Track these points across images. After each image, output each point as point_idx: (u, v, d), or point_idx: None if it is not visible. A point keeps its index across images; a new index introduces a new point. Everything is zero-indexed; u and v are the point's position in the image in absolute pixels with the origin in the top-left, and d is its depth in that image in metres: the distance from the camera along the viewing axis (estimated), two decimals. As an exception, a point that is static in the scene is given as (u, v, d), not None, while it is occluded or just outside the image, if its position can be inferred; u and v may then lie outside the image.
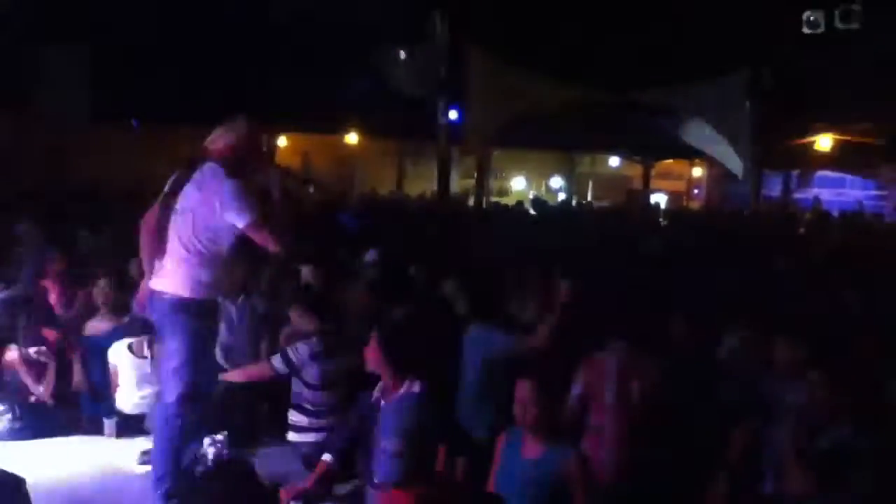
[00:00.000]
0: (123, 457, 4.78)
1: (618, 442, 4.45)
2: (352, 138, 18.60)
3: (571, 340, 5.13)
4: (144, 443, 4.81)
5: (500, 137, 15.33)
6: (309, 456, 4.56)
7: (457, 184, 23.40)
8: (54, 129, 11.54)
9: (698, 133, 12.85)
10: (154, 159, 6.99)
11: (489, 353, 4.83)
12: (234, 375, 5.07)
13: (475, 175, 20.13)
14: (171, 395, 3.99)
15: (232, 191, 3.89)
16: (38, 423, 5.10)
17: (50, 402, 5.31)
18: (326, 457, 4.14)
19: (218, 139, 4.05)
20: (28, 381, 5.21)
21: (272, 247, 4.04)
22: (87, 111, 11.77)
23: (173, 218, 4.00)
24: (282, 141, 18.78)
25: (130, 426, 5.13)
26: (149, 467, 4.53)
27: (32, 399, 5.23)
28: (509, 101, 13.02)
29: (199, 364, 4.03)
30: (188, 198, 3.97)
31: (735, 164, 12.97)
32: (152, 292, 4.05)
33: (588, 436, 4.47)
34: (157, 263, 4.04)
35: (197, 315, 3.99)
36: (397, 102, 14.56)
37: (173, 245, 3.99)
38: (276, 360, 4.85)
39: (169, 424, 4.00)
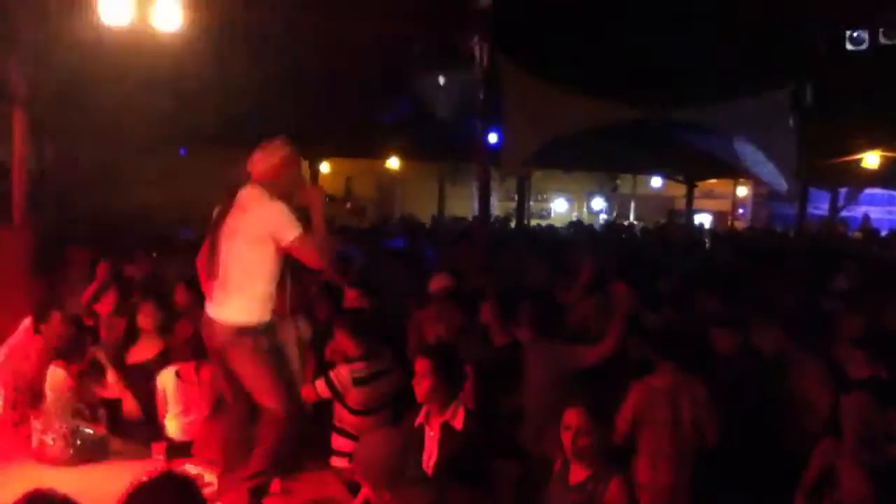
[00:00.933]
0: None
1: (670, 465, 4.41)
2: (393, 162, 18.72)
3: (621, 363, 5.13)
4: (193, 468, 4.86)
5: (539, 159, 15.29)
6: (353, 482, 4.57)
7: (497, 206, 23.43)
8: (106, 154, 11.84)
9: (742, 151, 12.66)
10: (202, 184, 7.09)
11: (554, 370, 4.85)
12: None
13: (515, 197, 20.14)
14: (272, 406, 4.15)
15: (275, 211, 4.03)
16: (90, 448, 5.18)
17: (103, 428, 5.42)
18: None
19: (258, 162, 4.16)
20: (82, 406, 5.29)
21: (317, 264, 4.15)
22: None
23: (222, 244, 4.09)
24: (324, 166, 18.96)
25: (179, 452, 5.18)
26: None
27: (85, 425, 5.30)
28: (547, 122, 12.97)
29: (284, 373, 4.24)
30: (233, 222, 4.09)
31: (780, 182, 12.79)
32: (211, 320, 4.16)
33: (639, 459, 4.45)
34: (212, 290, 4.15)
35: (259, 336, 4.12)
36: (437, 126, 14.64)
37: (224, 270, 4.09)
38: (320, 384, 4.88)
39: (271, 427, 4.18)
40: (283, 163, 4.17)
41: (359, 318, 5.24)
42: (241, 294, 4.12)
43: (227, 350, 4.16)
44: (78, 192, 10.56)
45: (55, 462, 5.06)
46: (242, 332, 4.10)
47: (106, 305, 6.44)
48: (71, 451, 5.10)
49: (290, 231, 4.03)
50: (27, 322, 5.93)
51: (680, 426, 4.45)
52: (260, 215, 4.06)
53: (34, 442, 5.18)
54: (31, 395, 5.26)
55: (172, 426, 5.36)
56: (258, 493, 4.23)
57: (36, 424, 5.18)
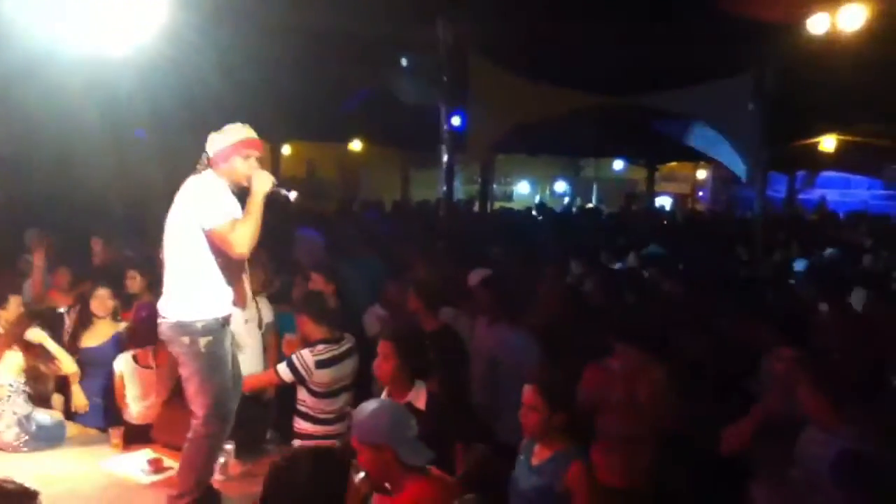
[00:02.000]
0: (130, 466, 4.78)
1: (626, 447, 4.44)
2: (356, 146, 18.61)
3: (578, 344, 5.16)
4: (151, 452, 4.82)
5: (504, 143, 15.30)
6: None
7: (462, 190, 23.44)
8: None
9: (702, 135, 12.81)
10: (160, 167, 7.00)
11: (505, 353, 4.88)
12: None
13: (479, 180, 20.16)
14: (197, 416, 4.00)
15: (200, 196, 3.90)
16: (46, 434, 5.11)
17: (58, 413, 5.35)
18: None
19: (211, 145, 4.03)
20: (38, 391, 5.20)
21: (235, 254, 3.93)
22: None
23: (166, 234, 4.00)
24: (286, 149, 18.79)
25: (137, 436, 5.12)
26: (157, 476, 4.57)
27: (40, 411, 5.22)
28: (511, 106, 12.99)
29: (217, 383, 4.02)
30: (174, 210, 3.97)
31: (739, 166, 12.94)
32: (160, 315, 4.04)
33: (597, 441, 4.46)
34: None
35: (203, 335, 3.96)
36: (401, 109, 14.57)
37: (167, 263, 4.00)
38: (282, 369, 4.85)
39: (195, 444, 4.01)
40: (235, 147, 4.00)
41: (320, 301, 5.20)
42: (180, 288, 3.96)
43: (169, 346, 4.06)
44: (32, 178, 10.35)
45: (11, 448, 4.99)
46: (181, 329, 3.94)
47: (58, 293, 6.35)
48: (26, 437, 5.03)
49: (209, 218, 3.85)
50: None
51: (636, 408, 4.47)
52: (189, 201, 3.91)
53: (-11, 429, 5.10)
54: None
55: (130, 410, 5.29)
56: None
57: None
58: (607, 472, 4.34)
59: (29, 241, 7.36)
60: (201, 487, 4.08)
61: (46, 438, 5.09)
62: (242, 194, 4.09)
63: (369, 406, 3.26)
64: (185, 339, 3.94)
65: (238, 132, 4.05)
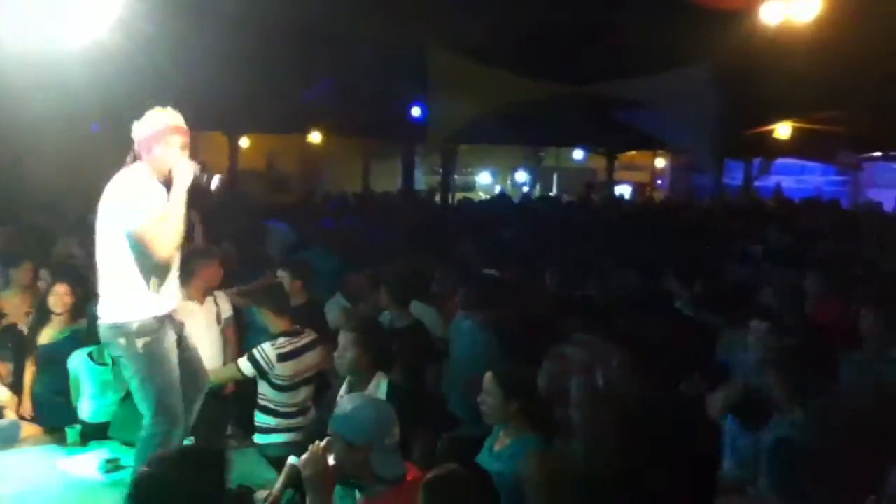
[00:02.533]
0: (88, 465, 4.70)
1: (586, 435, 4.47)
2: (315, 137, 18.48)
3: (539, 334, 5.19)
4: (108, 451, 4.75)
5: (464, 133, 15.33)
6: (276, 458, 4.53)
7: (423, 180, 23.44)
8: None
9: (660, 124, 12.95)
10: (117, 161, 6.87)
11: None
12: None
13: (440, 171, 20.17)
14: (146, 423, 3.93)
15: (122, 194, 3.74)
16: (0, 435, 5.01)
17: (15, 414, 5.25)
18: (292, 459, 4.12)
19: (134, 135, 3.86)
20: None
21: (161, 253, 3.77)
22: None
23: (97, 228, 3.87)
24: (244, 142, 18.60)
25: (93, 434, 5.05)
26: (114, 475, 4.50)
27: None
28: (471, 96, 13.01)
29: (159, 382, 3.92)
30: (99, 210, 3.83)
31: (697, 153, 13.13)
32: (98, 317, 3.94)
33: (560, 430, 4.49)
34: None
35: (139, 336, 3.85)
36: (361, 100, 14.50)
37: (98, 263, 3.88)
38: (243, 363, 4.81)
39: (144, 442, 3.93)
40: (155, 135, 3.80)
41: (280, 294, 5.17)
42: (112, 289, 3.83)
43: (108, 349, 4.01)
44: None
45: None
46: (117, 331, 3.84)
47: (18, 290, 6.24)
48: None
49: (129, 219, 3.69)
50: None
51: (595, 396, 4.51)
52: (112, 200, 3.75)
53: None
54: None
55: (86, 409, 5.21)
56: None
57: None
58: (570, 460, 4.38)
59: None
60: None
61: (0, 440, 4.98)
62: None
63: (357, 400, 3.22)
64: (122, 341, 3.84)
65: (157, 119, 3.84)
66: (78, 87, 9.22)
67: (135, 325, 3.84)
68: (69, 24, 7.24)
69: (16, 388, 5.50)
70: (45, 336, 5.61)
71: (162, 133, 3.82)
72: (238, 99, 13.30)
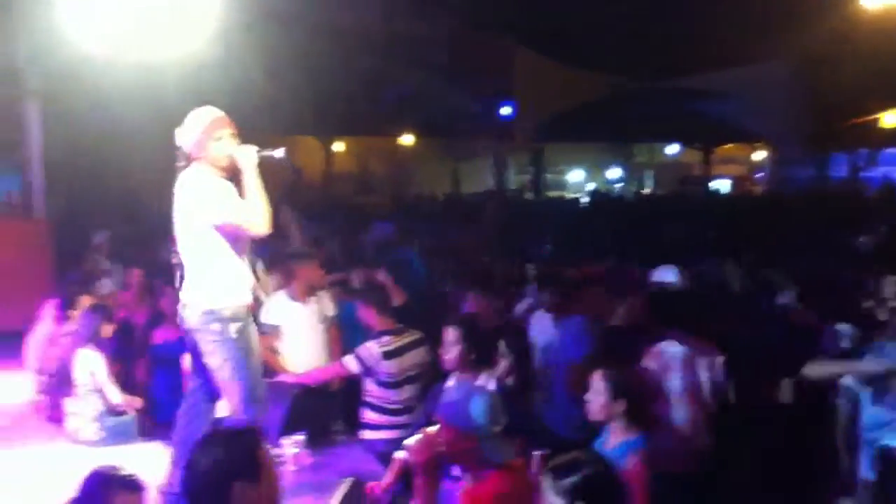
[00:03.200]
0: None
1: (684, 433, 4.41)
2: (406, 139, 18.71)
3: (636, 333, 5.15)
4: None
5: (553, 131, 15.26)
6: (383, 453, 4.62)
7: (513, 180, 23.41)
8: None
9: (756, 115, 12.60)
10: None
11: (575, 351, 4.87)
12: (307, 377, 5.16)
13: (530, 170, 20.09)
14: (233, 412, 4.01)
15: (203, 190, 3.86)
16: (122, 430, 5.27)
17: (132, 410, 5.50)
18: (401, 453, 4.21)
19: (184, 141, 3.95)
20: (111, 390, 5.35)
21: (258, 232, 3.91)
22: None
23: (176, 229, 3.98)
24: (338, 145, 18.98)
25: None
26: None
27: (114, 407, 5.37)
28: (559, 94, 12.97)
29: (249, 368, 4.02)
30: (178, 206, 3.95)
31: (786, 144, 12.72)
32: (183, 304, 4.02)
33: (657, 427, 4.43)
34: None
35: (233, 321, 3.96)
36: (450, 101, 14.62)
37: (184, 257, 3.99)
38: (349, 360, 4.92)
39: None
40: (205, 133, 3.91)
41: (383, 293, 5.27)
42: (202, 278, 3.94)
43: (196, 335, 4.00)
44: (91, 181, 10.62)
45: (90, 444, 5.14)
46: (210, 317, 3.92)
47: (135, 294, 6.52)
48: (103, 434, 5.19)
49: (216, 214, 3.83)
50: (53, 308, 6.01)
51: (696, 394, 4.44)
52: (190, 201, 3.88)
53: (67, 425, 5.28)
54: (61, 380, 5.32)
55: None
56: None
57: (68, 408, 5.26)
58: (666, 458, 4.33)
59: (97, 242, 7.61)
60: None
61: (122, 434, 5.23)
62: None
63: (468, 389, 3.28)
64: (216, 326, 3.93)
65: (201, 117, 3.96)
66: (175, 97, 9.58)
67: (228, 312, 3.95)
68: (167, 36, 7.59)
69: (129, 386, 5.75)
70: (159, 337, 5.86)
71: (211, 128, 3.94)
72: (331, 104, 13.60)
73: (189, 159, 3.97)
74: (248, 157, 3.92)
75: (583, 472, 2.61)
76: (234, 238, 3.95)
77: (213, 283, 3.95)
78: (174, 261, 4.06)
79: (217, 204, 3.84)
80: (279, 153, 4.03)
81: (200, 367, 4.12)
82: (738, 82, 11.49)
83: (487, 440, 3.03)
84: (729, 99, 12.66)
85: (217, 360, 3.96)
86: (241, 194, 3.90)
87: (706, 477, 4.33)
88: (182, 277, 4.08)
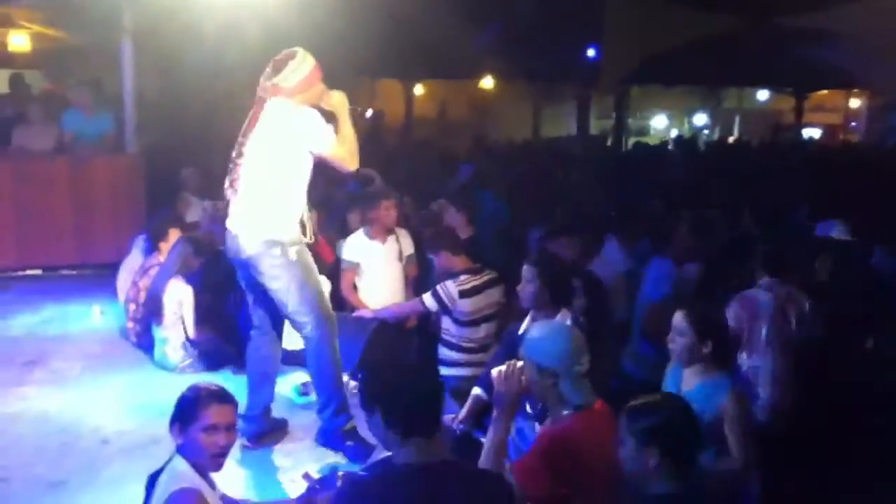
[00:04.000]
0: (285, 389, 5.03)
1: (774, 380, 4.34)
2: (487, 83, 18.51)
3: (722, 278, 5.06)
4: (303, 375, 5.06)
5: (639, 74, 14.88)
6: (459, 390, 4.69)
7: (594, 124, 22.97)
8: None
9: (855, 57, 11.98)
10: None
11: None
12: (386, 312, 5.25)
13: (613, 115, 19.68)
14: (305, 325, 4.09)
15: (309, 118, 3.97)
16: (208, 357, 5.46)
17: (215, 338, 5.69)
18: (476, 390, 4.26)
19: (287, 78, 4.01)
20: (189, 323, 5.50)
21: (350, 166, 4.09)
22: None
23: (246, 157, 4.04)
24: (418, 89, 18.90)
25: (290, 360, 5.36)
26: (310, 398, 4.81)
27: (199, 336, 5.55)
28: (647, 35, 12.61)
29: (313, 285, 4.10)
30: (263, 134, 4.01)
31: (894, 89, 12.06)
32: (235, 235, 4.08)
33: (741, 375, 4.37)
34: (235, 204, 4.12)
35: (292, 244, 4.04)
36: (532, 44, 14.37)
37: (251, 184, 4.04)
38: (427, 298, 4.99)
39: (316, 352, 4.11)
40: (311, 75, 4.05)
41: (453, 235, 5.36)
42: (267, 206, 4.02)
43: (255, 263, 4.05)
44: (181, 118, 10.82)
45: (178, 370, 5.36)
46: (271, 243, 4.00)
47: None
48: (190, 360, 5.39)
49: (324, 138, 3.98)
50: (143, 240, 6.23)
51: (784, 341, 4.36)
52: (294, 124, 3.97)
53: (156, 353, 5.51)
54: (152, 309, 5.53)
55: (286, 337, 5.54)
56: (340, 421, 4.17)
57: (158, 336, 5.49)
58: (751, 406, 4.27)
59: (187, 179, 7.82)
60: (341, 390, 4.20)
61: (208, 361, 5.43)
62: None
63: (551, 326, 3.29)
64: (277, 251, 4.00)
65: (308, 59, 4.07)
66: (261, 37, 9.66)
67: (287, 237, 4.04)
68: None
69: (218, 318, 5.92)
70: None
71: (316, 72, 4.07)
72: (412, 47, 13.52)
73: (276, 93, 4.03)
74: (340, 101, 4.11)
75: (660, 414, 2.61)
76: (311, 172, 4.06)
77: (278, 212, 4.04)
78: (227, 190, 4.12)
79: (320, 133, 3.98)
80: (368, 112, 4.21)
81: (261, 299, 4.23)
82: (844, 22, 10.91)
83: (568, 380, 3.02)
84: (831, 41, 12.08)
85: (282, 284, 4.04)
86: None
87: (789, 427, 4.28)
88: (229, 205, 4.16)
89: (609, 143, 18.62)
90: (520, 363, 3.06)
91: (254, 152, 4.03)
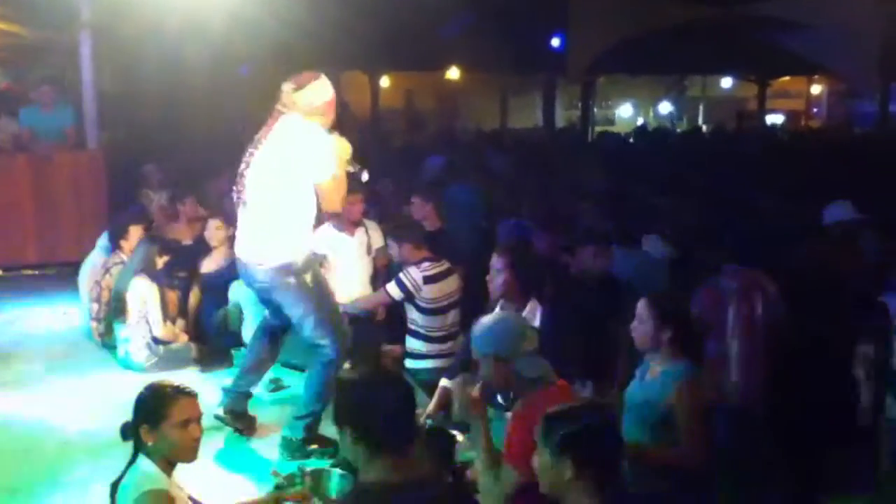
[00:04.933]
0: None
1: (742, 366, 4.36)
2: (453, 73, 18.46)
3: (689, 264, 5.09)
4: (271, 372, 5.01)
5: (605, 63, 14.88)
6: (428, 382, 4.67)
7: (561, 115, 23.04)
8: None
9: (816, 45, 12.10)
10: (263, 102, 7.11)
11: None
12: (351, 306, 5.21)
13: (579, 105, 19.73)
14: (326, 353, 4.04)
15: (320, 143, 3.90)
16: (173, 356, 5.39)
17: (183, 337, 5.63)
18: (444, 382, 4.25)
19: (307, 95, 3.95)
20: (155, 322, 5.42)
21: (333, 208, 4.09)
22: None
23: (252, 176, 3.96)
24: (384, 81, 18.80)
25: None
26: (277, 394, 4.77)
27: (166, 334, 5.49)
28: (612, 23, 12.62)
29: (330, 310, 4.11)
30: (274, 153, 3.92)
31: (858, 76, 12.21)
32: (246, 263, 4.03)
33: (710, 362, 4.38)
34: (242, 225, 4.06)
35: (305, 270, 4.00)
36: (498, 34, 14.34)
37: (258, 205, 3.96)
38: (392, 287, 4.97)
39: (322, 372, 4.05)
40: (330, 103, 4.00)
41: (417, 227, 5.36)
42: (280, 231, 3.95)
43: (270, 292, 4.04)
44: (142, 112, 10.70)
45: (140, 370, 5.26)
46: (285, 271, 3.93)
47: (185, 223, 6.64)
48: (155, 359, 5.32)
49: (328, 168, 3.90)
50: (105, 238, 6.13)
51: (751, 327, 4.38)
52: (299, 148, 3.88)
53: (120, 351, 5.42)
54: (115, 307, 5.44)
55: (249, 333, 5.50)
56: (311, 431, 4.12)
57: (121, 335, 5.40)
58: (721, 392, 4.29)
59: (148, 176, 7.71)
60: (323, 409, 4.16)
61: (173, 360, 5.36)
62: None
63: (487, 318, 3.31)
64: (291, 280, 3.95)
65: (330, 90, 4.03)
66: (222, 29, 9.55)
67: (299, 258, 3.99)
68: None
69: (185, 313, 5.88)
70: (207, 266, 5.96)
71: (331, 104, 4.03)
72: (377, 38, 13.44)
73: (294, 109, 3.95)
74: (343, 149, 4.03)
75: (577, 422, 2.49)
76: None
77: (287, 232, 3.96)
78: (236, 201, 4.06)
79: (326, 162, 3.91)
80: (364, 176, 4.19)
81: (276, 312, 4.20)
82: (806, 9, 10.98)
83: (521, 358, 3.09)
84: (794, 28, 12.18)
85: (299, 311, 4.01)
86: None
87: (763, 412, 4.30)
88: (237, 222, 4.14)
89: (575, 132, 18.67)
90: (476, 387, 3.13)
91: (261, 164, 3.94)
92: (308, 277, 4.01)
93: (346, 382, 2.48)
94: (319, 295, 4.07)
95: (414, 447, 2.40)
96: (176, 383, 2.88)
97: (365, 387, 2.42)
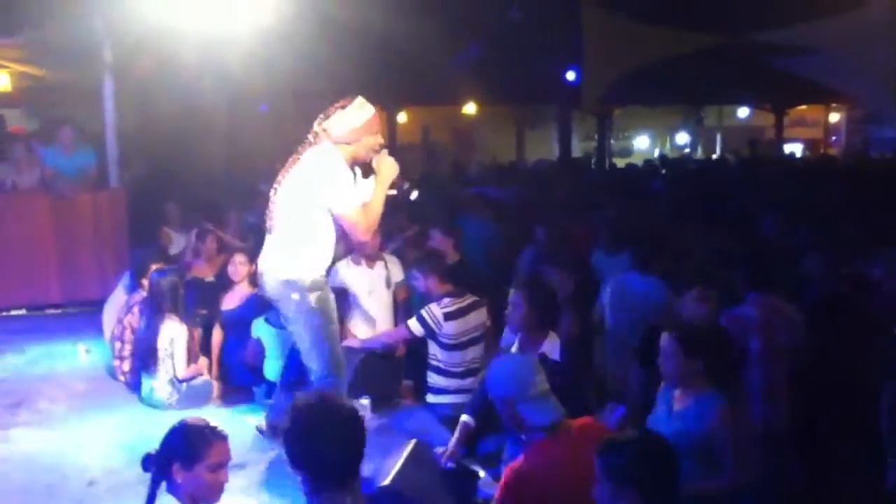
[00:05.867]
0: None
1: (766, 394, 4.32)
2: (469, 108, 18.57)
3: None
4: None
5: (620, 94, 14.94)
6: (448, 417, 4.65)
7: (578, 147, 23.08)
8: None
9: (833, 72, 12.07)
10: (282, 139, 7.18)
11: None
12: (372, 341, 5.21)
13: (595, 136, 19.77)
14: (314, 375, 4.09)
15: (337, 178, 3.94)
16: (195, 393, 5.41)
17: (206, 374, 5.65)
18: (465, 417, 4.23)
19: (337, 122, 3.99)
20: (179, 361, 5.44)
21: (360, 238, 4.13)
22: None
23: (280, 198, 4.05)
24: (402, 116, 18.94)
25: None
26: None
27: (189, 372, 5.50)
28: (626, 55, 12.68)
29: (329, 336, 4.11)
30: (297, 179, 4.00)
31: (876, 103, 12.16)
32: (261, 272, 4.13)
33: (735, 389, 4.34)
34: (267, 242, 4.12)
35: (312, 290, 4.04)
36: (514, 68, 14.45)
37: (280, 226, 4.06)
38: (413, 323, 4.97)
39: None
40: (364, 126, 3.99)
41: (441, 260, 5.34)
42: (294, 250, 4.03)
43: (276, 303, 4.12)
44: (161, 151, 10.80)
45: (164, 406, 5.30)
46: (291, 286, 4.01)
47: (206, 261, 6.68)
48: (178, 396, 5.33)
49: (343, 199, 3.93)
50: (127, 277, 6.18)
51: (774, 355, 4.34)
52: (318, 178, 3.95)
53: (144, 391, 5.44)
54: (145, 358, 5.45)
55: (270, 369, 5.51)
56: None
57: (144, 373, 5.42)
58: (745, 421, 4.24)
59: (168, 214, 7.78)
60: None
61: (195, 397, 5.38)
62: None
63: (500, 359, 3.31)
64: (296, 296, 4.01)
65: (367, 110, 4.02)
66: (241, 68, 9.67)
67: (308, 281, 4.04)
68: (233, 8, 7.67)
69: (207, 351, 5.90)
70: (229, 301, 5.99)
71: (371, 123, 4.03)
72: (394, 73, 13.58)
73: (321, 138, 4.01)
74: (388, 165, 4.06)
75: (633, 451, 2.51)
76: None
77: (302, 256, 4.03)
78: (266, 223, 4.14)
79: (339, 194, 3.94)
80: (413, 194, 4.18)
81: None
82: (822, 35, 10.96)
83: (525, 403, 3.03)
84: (809, 55, 12.17)
85: (298, 328, 4.07)
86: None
87: (787, 438, 4.25)
88: (263, 242, 4.19)
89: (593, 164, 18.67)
90: None
91: (286, 192, 4.03)
92: (313, 298, 4.04)
93: (292, 409, 2.45)
94: (321, 321, 4.07)
95: (358, 482, 2.36)
96: (213, 425, 2.85)
97: (304, 412, 2.40)
